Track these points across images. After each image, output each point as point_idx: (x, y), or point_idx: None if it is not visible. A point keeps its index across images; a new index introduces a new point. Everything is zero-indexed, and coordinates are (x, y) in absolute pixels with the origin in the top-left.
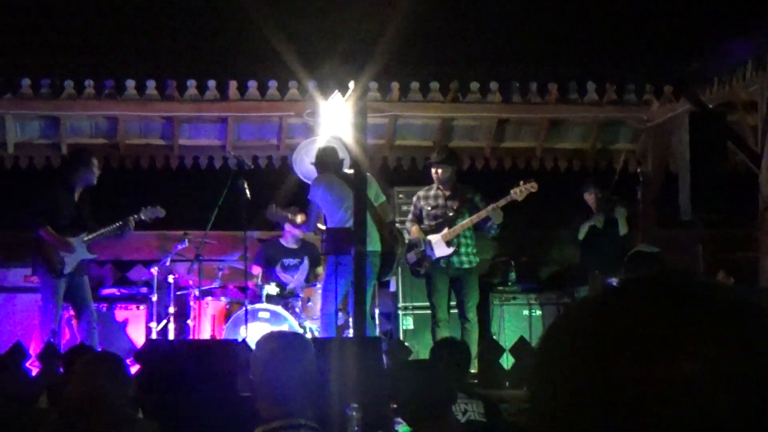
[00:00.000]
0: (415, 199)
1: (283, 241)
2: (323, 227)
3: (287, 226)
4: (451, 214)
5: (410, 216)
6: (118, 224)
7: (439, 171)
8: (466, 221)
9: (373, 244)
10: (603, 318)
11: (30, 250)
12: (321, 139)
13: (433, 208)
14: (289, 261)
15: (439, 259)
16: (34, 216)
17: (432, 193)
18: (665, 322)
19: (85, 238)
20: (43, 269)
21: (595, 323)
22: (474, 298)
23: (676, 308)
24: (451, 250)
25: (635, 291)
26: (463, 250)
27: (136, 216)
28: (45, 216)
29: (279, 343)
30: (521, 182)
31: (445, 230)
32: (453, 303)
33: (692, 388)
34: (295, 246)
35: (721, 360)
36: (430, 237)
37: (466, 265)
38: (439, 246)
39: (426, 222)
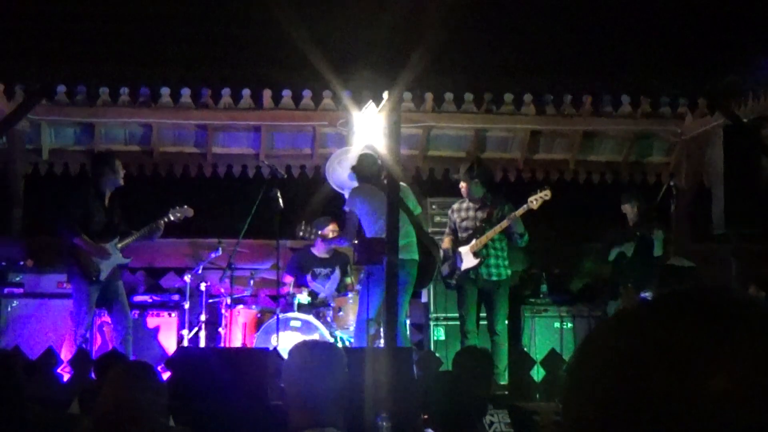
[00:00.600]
0: (449, 212)
1: (314, 251)
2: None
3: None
4: (480, 225)
5: (447, 229)
6: (148, 227)
7: (464, 185)
8: (490, 232)
9: (413, 253)
10: (638, 332)
11: (64, 257)
12: (354, 149)
13: (463, 220)
14: (320, 270)
15: (468, 270)
16: (68, 224)
17: (464, 205)
18: (699, 337)
19: (119, 244)
20: (79, 276)
21: (630, 337)
22: (502, 311)
23: (710, 323)
24: (477, 261)
25: (670, 306)
26: (492, 261)
27: (165, 218)
28: (79, 223)
29: (312, 352)
30: (538, 190)
31: (473, 242)
32: (484, 314)
33: (726, 403)
34: (326, 255)
35: (755, 375)
36: (460, 249)
37: (495, 278)
38: (467, 257)
39: (459, 234)
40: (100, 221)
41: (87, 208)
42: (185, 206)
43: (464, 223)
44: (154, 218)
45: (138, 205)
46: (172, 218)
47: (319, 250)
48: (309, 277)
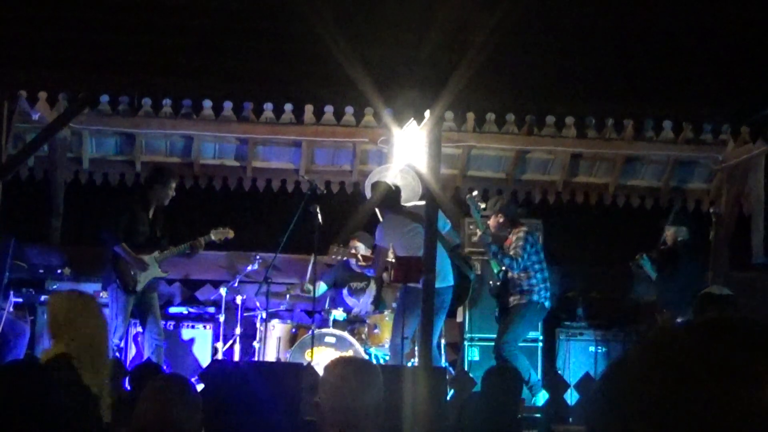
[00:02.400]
0: None
1: (351, 265)
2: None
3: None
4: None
5: None
6: (188, 244)
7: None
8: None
9: (448, 279)
10: (685, 350)
11: (105, 266)
12: (394, 167)
13: None
14: (356, 285)
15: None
16: (111, 231)
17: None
18: (747, 351)
19: (158, 257)
20: (116, 285)
21: (678, 355)
22: (506, 332)
23: (757, 340)
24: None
25: (715, 327)
26: (516, 289)
27: (206, 237)
28: (122, 233)
29: (349, 368)
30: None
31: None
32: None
33: None
34: (361, 272)
35: None
36: None
37: (510, 305)
38: None
39: None
40: (143, 233)
41: (132, 218)
42: (226, 227)
43: None
44: (192, 230)
45: (177, 217)
46: (213, 238)
47: (355, 265)
48: (345, 291)
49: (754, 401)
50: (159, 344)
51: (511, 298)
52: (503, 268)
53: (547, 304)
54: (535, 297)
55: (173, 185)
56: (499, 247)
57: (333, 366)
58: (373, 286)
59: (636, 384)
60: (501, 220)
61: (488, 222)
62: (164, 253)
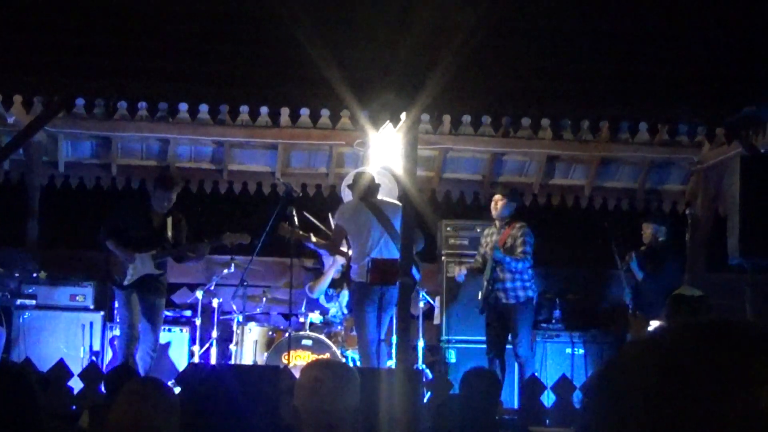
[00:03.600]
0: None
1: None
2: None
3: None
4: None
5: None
6: (191, 246)
7: (499, 199)
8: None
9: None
10: (678, 357)
11: (80, 269)
12: (370, 170)
13: (487, 245)
14: (330, 290)
15: (486, 294)
16: (103, 228)
17: (491, 230)
18: (746, 354)
19: (154, 254)
20: (112, 284)
21: (671, 361)
22: (521, 334)
23: (752, 348)
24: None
25: (715, 328)
26: (509, 285)
27: (215, 240)
28: (112, 228)
29: (326, 371)
30: None
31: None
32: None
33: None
34: (336, 276)
35: None
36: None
37: (512, 300)
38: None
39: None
40: (140, 232)
41: (125, 216)
42: (244, 232)
43: (486, 248)
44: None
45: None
46: (224, 242)
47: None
48: (321, 296)
49: (753, 405)
50: (147, 354)
51: (501, 294)
52: (493, 266)
53: (535, 297)
54: (530, 293)
55: (170, 196)
56: (503, 252)
57: (309, 369)
58: (345, 291)
59: (633, 386)
60: (513, 207)
61: (495, 199)
62: (161, 252)
